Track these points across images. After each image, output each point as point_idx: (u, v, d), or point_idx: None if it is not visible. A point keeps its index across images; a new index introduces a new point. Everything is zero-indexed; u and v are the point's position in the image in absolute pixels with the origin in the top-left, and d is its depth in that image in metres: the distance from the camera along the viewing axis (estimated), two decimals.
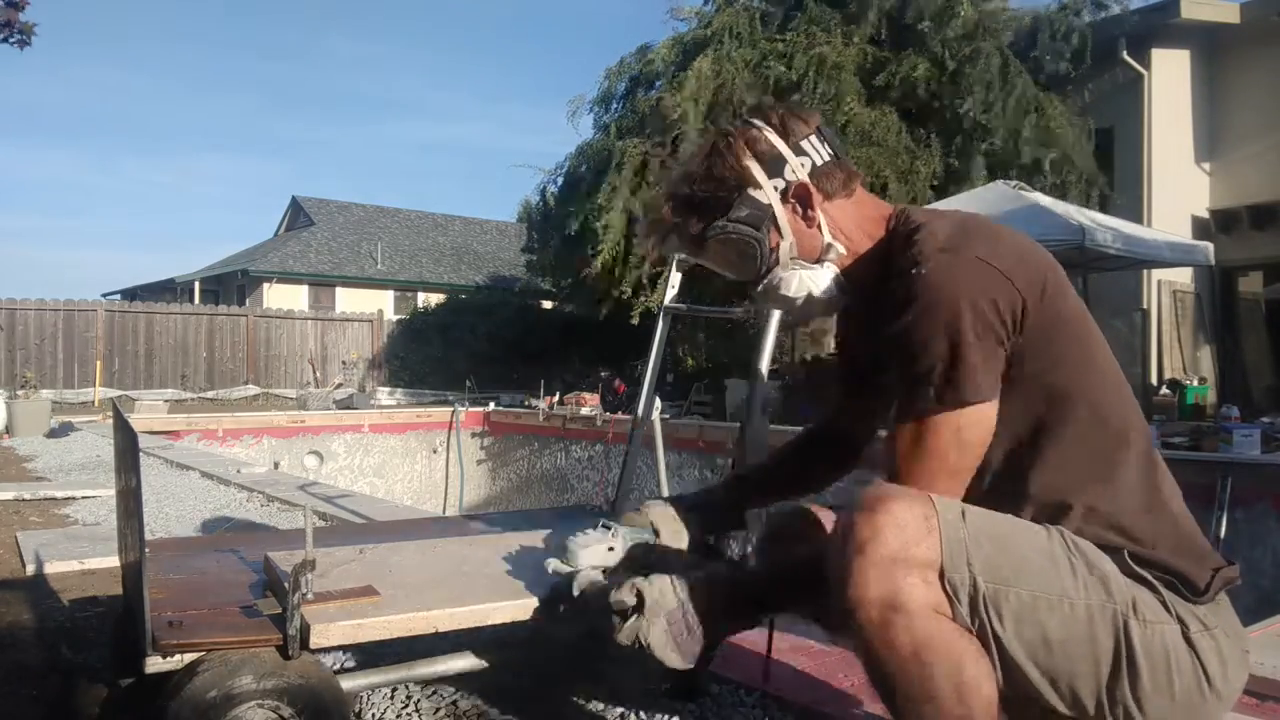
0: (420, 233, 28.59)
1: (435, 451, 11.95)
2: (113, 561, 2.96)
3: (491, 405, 12.56)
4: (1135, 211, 10.96)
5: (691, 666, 1.32)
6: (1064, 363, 1.20)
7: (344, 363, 17.46)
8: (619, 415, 10.45)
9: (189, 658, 1.34)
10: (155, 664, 1.32)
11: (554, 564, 1.47)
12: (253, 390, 16.47)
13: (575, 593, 1.40)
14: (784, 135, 1.33)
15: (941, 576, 1.09)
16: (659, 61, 12.12)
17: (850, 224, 1.35)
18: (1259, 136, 11.42)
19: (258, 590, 1.60)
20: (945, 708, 1.07)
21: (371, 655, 2.11)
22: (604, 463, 10.29)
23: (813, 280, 1.33)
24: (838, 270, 1.34)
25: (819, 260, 1.33)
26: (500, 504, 11.70)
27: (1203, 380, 11.04)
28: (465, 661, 1.65)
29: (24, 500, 4.77)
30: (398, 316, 20.38)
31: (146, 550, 1.41)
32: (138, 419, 9.61)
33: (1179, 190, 11.66)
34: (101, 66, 72.15)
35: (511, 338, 17.09)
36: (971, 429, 1.17)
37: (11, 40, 6.62)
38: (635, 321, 11.46)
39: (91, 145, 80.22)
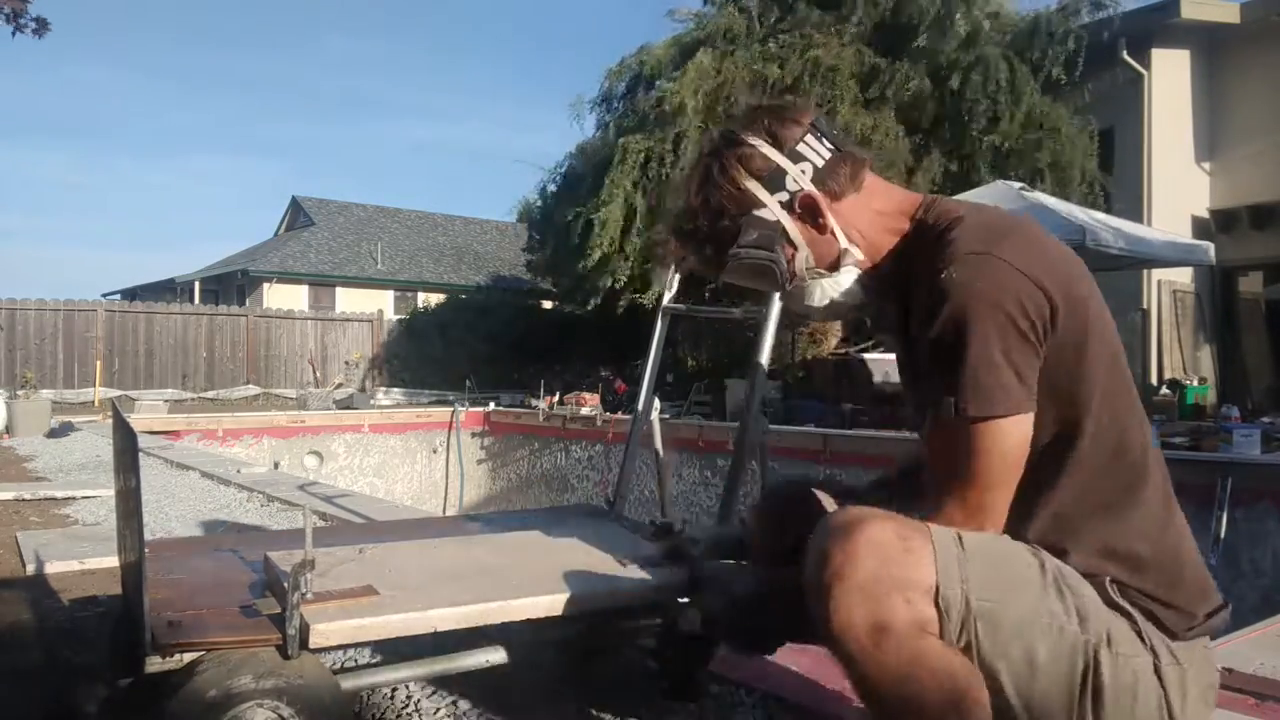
0: (420, 233, 28.59)
1: (435, 451, 11.95)
2: (113, 561, 2.95)
3: (491, 405, 12.56)
4: (1135, 211, 10.95)
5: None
6: (1089, 379, 1.17)
7: (345, 362, 17.45)
8: (619, 415, 10.45)
9: (188, 658, 1.34)
10: (155, 664, 1.32)
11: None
12: (253, 390, 16.46)
13: None
14: (778, 145, 1.27)
15: (936, 592, 1.07)
16: (657, 61, 12.13)
17: (866, 222, 1.29)
18: (1259, 136, 11.41)
19: (257, 590, 1.60)
20: None
21: (372, 655, 2.11)
22: (604, 463, 10.29)
23: (834, 287, 1.29)
24: (859, 272, 1.30)
25: (837, 267, 1.29)
26: (500, 504, 11.70)
27: (1203, 380, 11.04)
28: (465, 661, 1.65)
29: (24, 500, 4.77)
30: (398, 316, 20.37)
31: (146, 550, 1.41)
32: (138, 419, 9.61)
33: (1179, 190, 11.66)
34: (98, 67, 72.14)
35: (511, 338, 17.07)
36: (1007, 439, 1.12)
37: (26, 30, 6.67)
38: (619, 312, 11.46)
39: (90, 145, 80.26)
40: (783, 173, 1.26)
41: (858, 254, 1.28)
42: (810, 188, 1.26)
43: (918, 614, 1.06)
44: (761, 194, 1.26)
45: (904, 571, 1.06)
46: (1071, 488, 1.18)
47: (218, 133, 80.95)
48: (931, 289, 1.14)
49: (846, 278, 1.29)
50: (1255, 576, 5.80)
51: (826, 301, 1.30)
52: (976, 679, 1.07)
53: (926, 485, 1.19)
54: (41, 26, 6.69)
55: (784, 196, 1.27)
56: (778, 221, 1.27)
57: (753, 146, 1.27)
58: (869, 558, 1.05)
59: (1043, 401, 1.15)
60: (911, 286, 1.22)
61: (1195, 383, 10.53)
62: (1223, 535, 5.78)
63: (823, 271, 1.29)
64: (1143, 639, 1.14)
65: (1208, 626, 1.19)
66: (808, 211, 1.27)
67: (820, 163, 1.27)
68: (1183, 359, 11.58)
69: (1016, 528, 1.20)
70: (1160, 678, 1.14)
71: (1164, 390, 10.56)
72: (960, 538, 1.11)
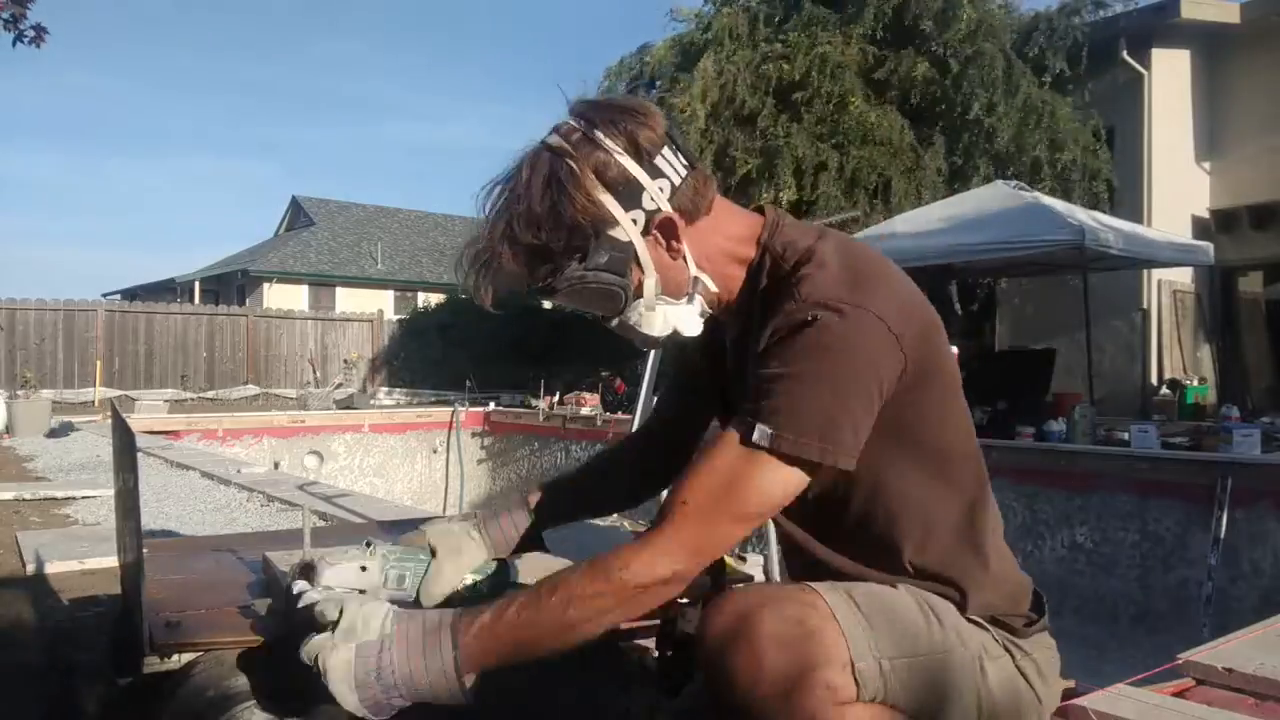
0: (420, 233, 28.59)
1: (435, 451, 11.95)
2: (113, 561, 2.95)
3: (491, 405, 12.57)
4: (1135, 211, 10.95)
5: None
6: (924, 416, 1.15)
7: (344, 362, 17.45)
8: (619, 415, 10.44)
9: (187, 658, 1.34)
10: (153, 664, 1.32)
11: (300, 584, 1.23)
12: (253, 390, 16.46)
13: (298, 606, 1.18)
14: (636, 155, 1.11)
15: (851, 666, 1.02)
16: (657, 61, 12.14)
17: (715, 248, 1.19)
18: (1259, 136, 11.41)
19: (256, 590, 1.60)
20: None
21: None
22: None
23: (678, 318, 1.18)
24: (704, 304, 1.19)
25: (685, 295, 1.18)
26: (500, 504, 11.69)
27: (1203, 380, 11.04)
28: None
29: (24, 500, 4.77)
30: (398, 316, 20.37)
31: (145, 550, 1.41)
32: (138, 419, 9.61)
33: (1179, 190, 11.66)
34: (97, 68, 72.17)
35: (511, 338, 17.07)
36: (789, 484, 1.06)
37: (26, 40, 6.74)
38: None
39: (90, 146, 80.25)
40: (640, 188, 1.11)
41: (709, 283, 1.18)
42: (668, 209, 1.13)
43: (840, 697, 1.01)
44: (616, 210, 1.11)
45: (815, 658, 1.00)
46: (902, 516, 1.18)
47: (218, 133, 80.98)
48: (792, 331, 1.06)
49: (694, 308, 1.18)
50: (1255, 576, 5.80)
51: (669, 331, 1.19)
52: None
53: (667, 497, 1.10)
54: (40, 35, 6.75)
55: (638, 215, 1.12)
56: (630, 243, 1.12)
57: (608, 154, 1.10)
58: (778, 658, 0.98)
59: (875, 437, 1.10)
60: (761, 318, 1.14)
61: (1195, 383, 10.54)
62: (1223, 535, 5.78)
63: (669, 299, 1.17)
64: (997, 642, 1.19)
65: (1041, 624, 1.24)
66: (663, 233, 1.14)
67: (677, 180, 1.13)
68: (1183, 359, 11.58)
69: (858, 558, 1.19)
70: (1022, 672, 1.19)
71: (1164, 390, 10.57)
72: (853, 598, 1.07)
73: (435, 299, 22.03)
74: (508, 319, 17.96)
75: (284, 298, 21.88)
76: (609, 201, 1.10)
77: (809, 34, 11.10)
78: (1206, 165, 12.02)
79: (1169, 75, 11.66)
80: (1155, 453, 6.52)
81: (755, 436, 1.03)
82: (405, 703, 1.06)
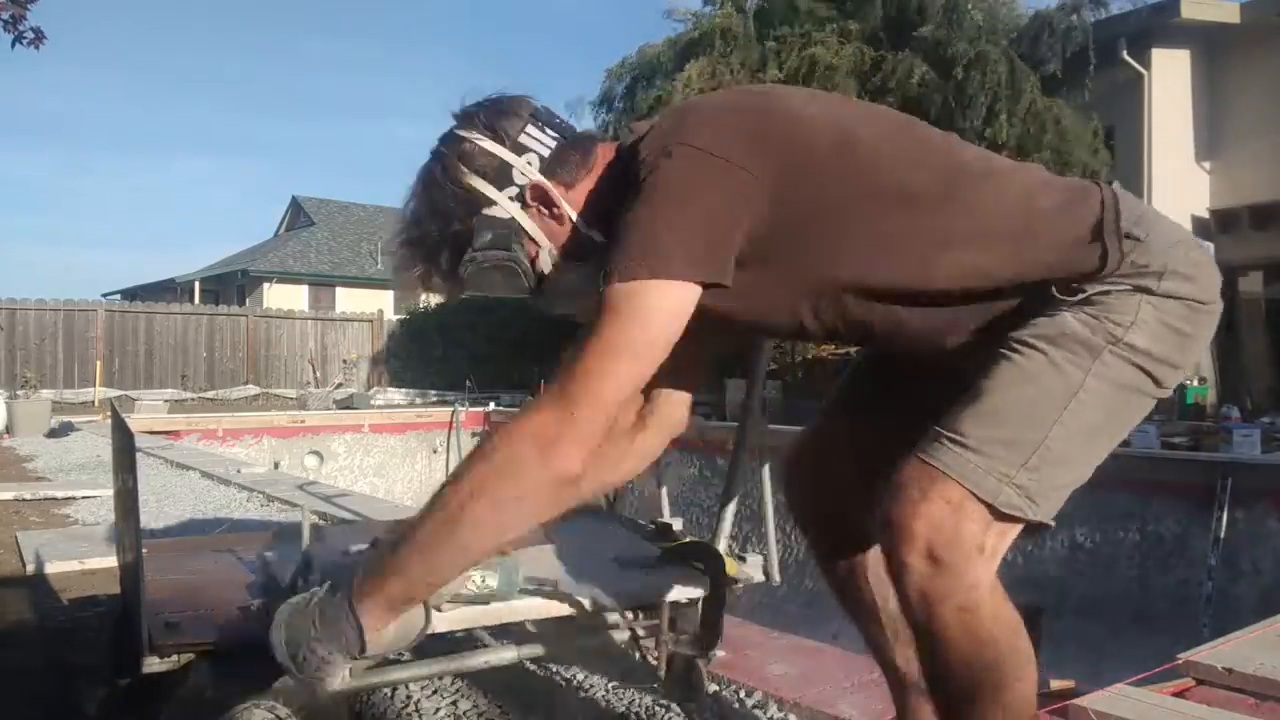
0: None
1: (435, 451, 11.95)
2: (113, 561, 2.95)
3: (491, 405, 12.56)
4: None
5: None
6: (836, 192, 1.14)
7: (344, 362, 17.44)
8: None
9: (186, 658, 1.33)
10: (153, 664, 1.32)
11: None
12: (253, 390, 16.45)
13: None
14: (498, 138, 1.20)
15: (993, 510, 1.06)
16: (656, 61, 12.13)
17: (600, 200, 1.23)
18: (1259, 136, 11.41)
19: (255, 590, 1.60)
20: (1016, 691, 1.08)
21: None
22: None
23: (589, 276, 1.18)
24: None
25: (584, 255, 1.22)
26: None
27: (1203, 380, 11.04)
28: (465, 662, 1.65)
29: (24, 500, 4.77)
30: (398, 316, 20.36)
31: (144, 550, 1.41)
32: (138, 419, 9.61)
33: (1179, 190, 11.65)
34: (97, 67, 72.20)
35: (511, 338, 17.06)
36: (663, 306, 1.07)
37: (25, 42, 6.78)
38: None
39: (90, 145, 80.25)
40: (509, 167, 1.20)
41: (600, 238, 1.20)
42: (539, 178, 1.20)
43: (994, 552, 1.07)
44: (489, 190, 1.20)
45: (969, 521, 1.05)
46: (915, 255, 1.15)
47: (218, 133, 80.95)
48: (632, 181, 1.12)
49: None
50: (1255, 576, 5.79)
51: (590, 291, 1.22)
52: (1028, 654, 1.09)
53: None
54: (38, 37, 6.79)
55: (514, 191, 1.20)
56: (512, 219, 1.20)
57: (473, 142, 1.20)
58: (937, 537, 1.04)
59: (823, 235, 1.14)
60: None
61: (1195, 383, 10.53)
62: (1222, 535, 5.78)
63: (572, 264, 1.23)
64: (1125, 288, 1.14)
65: (1117, 239, 1.18)
66: (541, 202, 1.21)
67: (546, 152, 1.21)
68: None
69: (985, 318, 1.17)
70: (1165, 295, 1.14)
71: None
72: (958, 441, 1.07)
73: (435, 299, 22.01)
74: (508, 319, 17.95)
75: (284, 298, 21.88)
76: (480, 184, 1.20)
77: (802, 34, 11.07)
78: (1206, 165, 12.02)
79: (1169, 75, 11.66)
80: (1155, 453, 6.52)
81: (605, 282, 1.08)
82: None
